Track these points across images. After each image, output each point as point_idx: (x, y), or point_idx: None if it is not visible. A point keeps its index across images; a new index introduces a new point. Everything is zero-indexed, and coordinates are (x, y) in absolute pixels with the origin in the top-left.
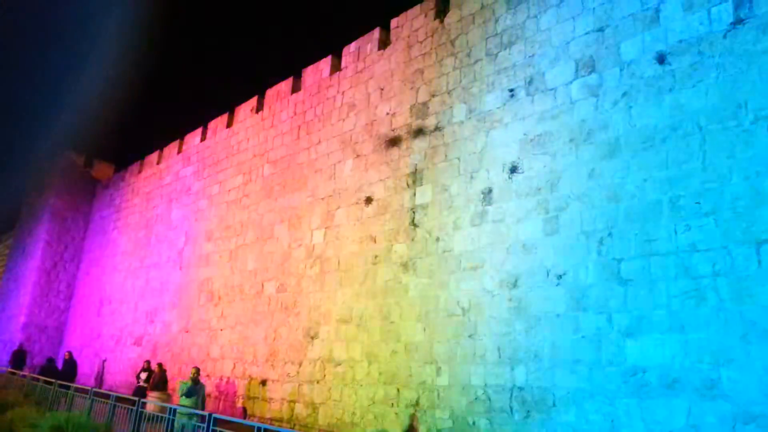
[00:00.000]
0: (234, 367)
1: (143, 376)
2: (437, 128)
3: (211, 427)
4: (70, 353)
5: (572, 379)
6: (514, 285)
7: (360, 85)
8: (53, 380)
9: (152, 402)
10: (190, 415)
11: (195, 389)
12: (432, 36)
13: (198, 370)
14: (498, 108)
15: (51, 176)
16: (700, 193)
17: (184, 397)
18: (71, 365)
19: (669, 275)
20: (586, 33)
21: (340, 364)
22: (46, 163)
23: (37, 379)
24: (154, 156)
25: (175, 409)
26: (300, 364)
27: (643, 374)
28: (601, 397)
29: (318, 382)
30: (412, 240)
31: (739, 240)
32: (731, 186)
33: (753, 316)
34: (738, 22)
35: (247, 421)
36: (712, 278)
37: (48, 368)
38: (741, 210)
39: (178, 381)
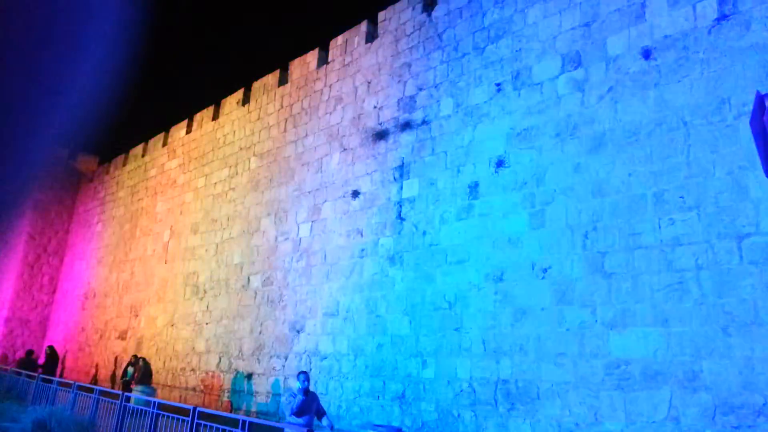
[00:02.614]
0: (219, 361)
1: (129, 370)
2: (424, 122)
3: (195, 421)
4: (51, 347)
5: (557, 372)
6: (500, 278)
7: (347, 79)
8: (35, 374)
9: (137, 396)
10: None
11: (308, 403)
12: (419, 29)
13: (308, 377)
14: (485, 102)
15: (36, 170)
16: (683, 187)
17: (293, 416)
18: (53, 359)
19: (652, 269)
20: (573, 28)
21: (326, 358)
22: (34, 158)
23: (19, 373)
24: (139, 149)
25: (158, 403)
26: (286, 358)
27: (626, 367)
28: (584, 390)
29: None
30: (399, 233)
31: (722, 234)
32: (714, 181)
33: (733, 309)
34: (722, 18)
35: (232, 415)
36: (695, 272)
37: (26, 361)
38: (724, 204)
39: (284, 396)
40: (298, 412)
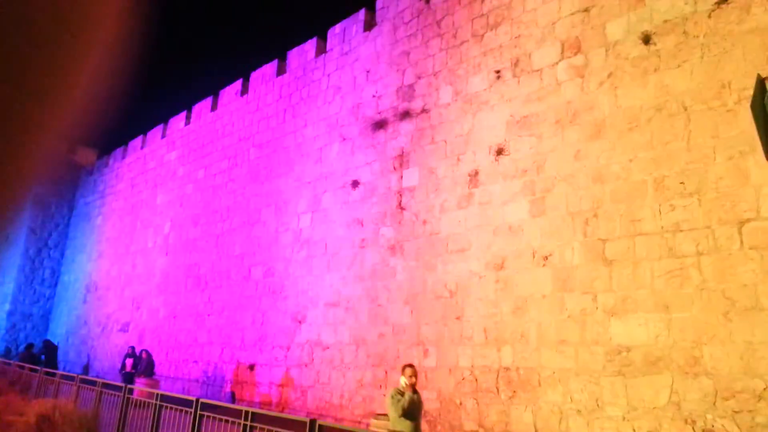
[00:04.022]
0: (222, 352)
1: (129, 362)
2: (424, 110)
3: (198, 412)
4: (47, 341)
5: (558, 359)
6: (501, 267)
7: (346, 68)
8: (38, 368)
9: (140, 388)
10: None
11: (417, 402)
12: (418, 17)
13: (415, 371)
14: (484, 90)
15: (35, 164)
16: (684, 173)
17: (401, 417)
18: (51, 352)
19: (653, 255)
20: (572, 13)
21: (328, 348)
22: (35, 153)
23: (23, 367)
24: (138, 141)
25: (161, 395)
26: (288, 348)
27: (627, 353)
28: (586, 376)
29: (306, 366)
30: (399, 223)
31: (722, 220)
32: (715, 166)
33: (734, 294)
34: (722, 1)
35: (235, 405)
36: (696, 258)
37: (27, 355)
38: (724, 190)
39: (389, 392)
40: (408, 413)
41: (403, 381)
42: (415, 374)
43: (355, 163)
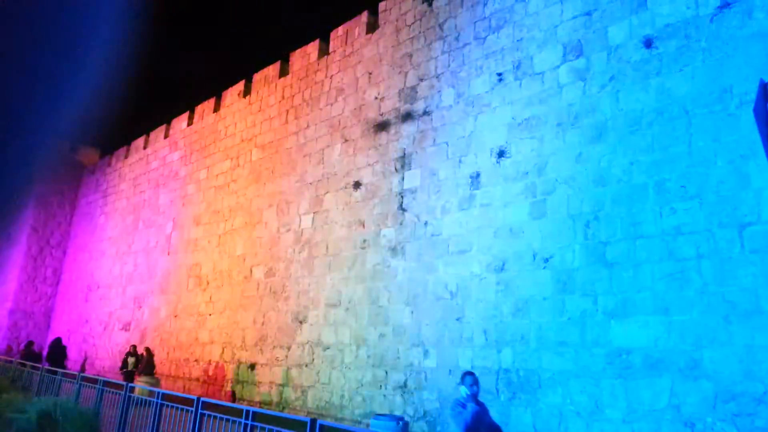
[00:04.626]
0: (223, 352)
1: (130, 360)
2: (426, 112)
3: (199, 411)
4: (56, 339)
5: (558, 361)
6: (502, 268)
7: (348, 69)
8: (39, 366)
9: (140, 386)
10: None
11: (482, 415)
12: (420, 19)
13: (477, 380)
14: (486, 92)
15: (38, 163)
16: (685, 176)
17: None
18: (57, 351)
19: (654, 258)
20: (574, 17)
21: (328, 348)
22: (39, 152)
23: (24, 365)
24: (141, 141)
25: (162, 393)
26: (289, 348)
27: (627, 355)
28: (586, 378)
29: (307, 366)
30: (401, 224)
31: (723, 223)
32: (716, 169)
33: (735, 297)
34: (724, 6)
35: (235, 405)
36: (696, 261)
37: (28, 353)
38: (725, 193)
39: (450, 404)
40: (472, 428)
41: (464, 391)
42: (477, 383)
43: (357, 164)
